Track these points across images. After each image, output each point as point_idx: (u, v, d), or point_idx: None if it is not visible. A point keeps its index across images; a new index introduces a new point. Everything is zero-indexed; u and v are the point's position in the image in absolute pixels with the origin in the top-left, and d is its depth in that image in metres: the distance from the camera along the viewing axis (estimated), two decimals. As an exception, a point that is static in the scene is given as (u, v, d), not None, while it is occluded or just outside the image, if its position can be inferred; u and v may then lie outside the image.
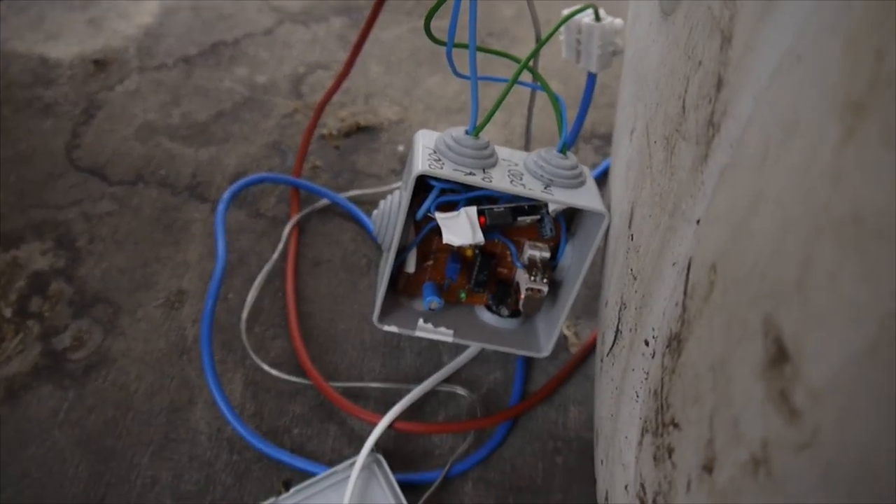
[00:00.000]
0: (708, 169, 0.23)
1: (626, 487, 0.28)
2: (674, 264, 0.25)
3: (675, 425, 0.23)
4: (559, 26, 0.42)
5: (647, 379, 0.27)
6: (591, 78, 0.44)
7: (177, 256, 0.53)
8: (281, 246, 0.52)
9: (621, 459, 0.29)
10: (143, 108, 0.64)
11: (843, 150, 0.15)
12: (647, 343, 0.27)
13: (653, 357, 0.27)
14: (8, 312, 0.49)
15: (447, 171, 0.38)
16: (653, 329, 0.27)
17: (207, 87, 0.66)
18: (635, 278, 0.30)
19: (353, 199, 0.56)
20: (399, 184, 0.57)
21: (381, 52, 0.68)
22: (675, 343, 0.24)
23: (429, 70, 0.68)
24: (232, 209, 0.55)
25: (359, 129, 0.62)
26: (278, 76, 0.67)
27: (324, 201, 0.56)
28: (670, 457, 0.23)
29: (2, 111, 0.64)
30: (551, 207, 0.41)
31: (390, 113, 0.63)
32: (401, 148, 0.61)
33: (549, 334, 0.44)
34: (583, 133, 0.61)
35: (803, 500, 0.16)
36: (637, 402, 0.28)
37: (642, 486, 0.26)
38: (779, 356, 0.17)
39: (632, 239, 0.32)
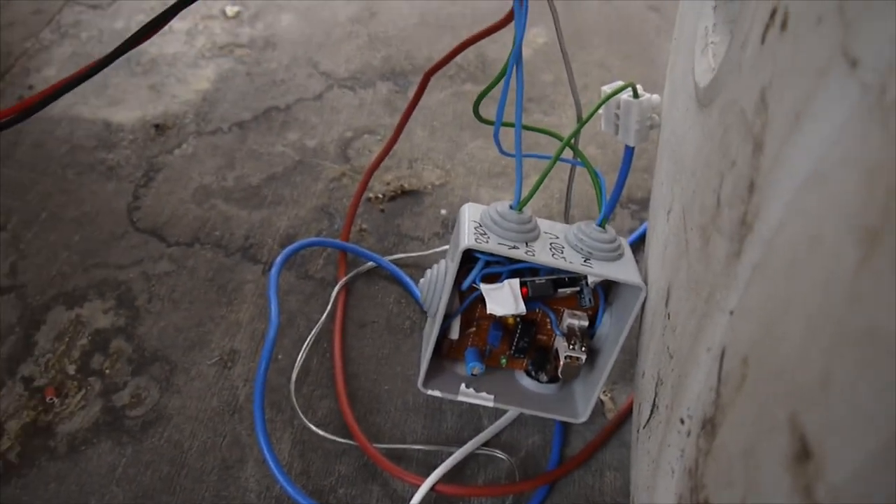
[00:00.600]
0: (741, 264, 0.24)
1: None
2: (708, 350, 0.27)
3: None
4: (600, 105, 0.44)
5: (682, 456, 0.29)
6: (629, 151, 0.46)
7: (230, 316, 0.56)
8: (329, 308, 0.54)
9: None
10: (199, 171, 0.68)
11: (861, 272, 0.17)
12: (682, 422, 0.29)
13: (688, 436, 0.28)
14: (71, 370, 0.52)
15: (492, 245, 0.40)
16: (688, 409, 0.28)
17: (260, 150, 0.69)
18: (671, 357, 0.32)
19: (398, 262, 0.58)
20: (443, 247, 0.59)
21: (424, 117, 0.71)
22: (710, 426, 0.25)
23: (470, 135, 0.70)
24: (282, 270, 0.58)
25: (403, 193, 0.64)
26: (327, 140, 0.70)
27: (370, 264, 0.58)
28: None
29: (67, 174, 0.67)
30: (590, 279, 0.43)
31: (433, 177, 0.66)
32: (444, 212, 0.63)
33: (586, 400, 0.45)
34: (619, 199, 0.63)
35: None
36: (672, 477, 0.29)
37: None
38: (803, 453, 0.18)
39: (668, 318, 0.33)
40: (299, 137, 0.71)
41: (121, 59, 0.77)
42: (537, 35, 0.81)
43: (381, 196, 0.64)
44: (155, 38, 0.78)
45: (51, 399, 0.50)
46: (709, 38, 0.36)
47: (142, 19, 0.86)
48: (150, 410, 0.50)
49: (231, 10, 0.87)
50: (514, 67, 0.40)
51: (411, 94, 0.75)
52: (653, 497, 0.32)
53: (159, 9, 0.83)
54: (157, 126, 0.72)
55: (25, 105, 0.42)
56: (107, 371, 0.52)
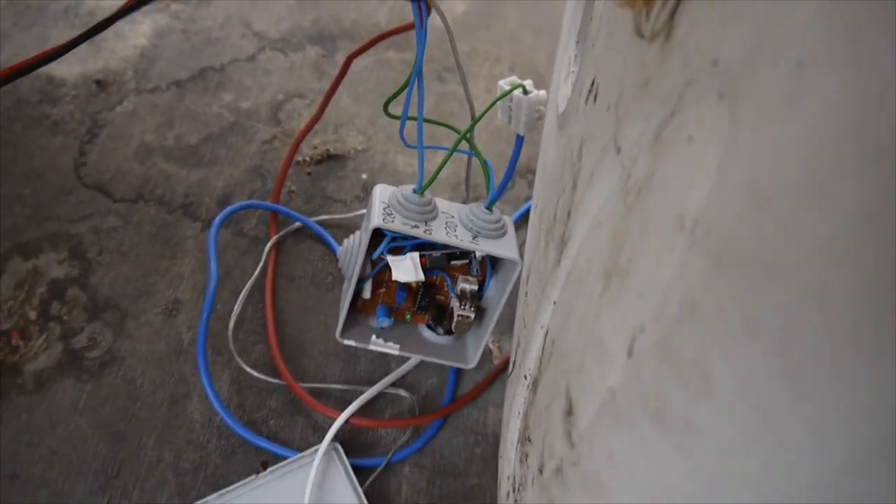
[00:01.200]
0: (560, 270, 0.34)
1: (508, 477, 0.40)
2: (541, 327, 0.36)
3: (529, 440, 0.34)
4: (493, 104, 0.52)
5: (523, 403, 0.38)
6: (519, 140, 0.55)
7: (173, 269, 0.63)
8: (261, 263, 0.62)
9: (507, 456, 0.41)
10: (140, 129, 0.73)
11: (601, 298, 0.26)
12: (525, 378, 0.39)
13: (527, 389, 0.38)
14: (32, 315, 0.59)
15: (397, 224, 0.49)
16: (528, 369, 0.38)
17: (197, 111, 0.75)
18: (524, 326, 0.41)
19: (323, 223, 0.66)
20: (362, 210, 0.67)
21: (349, 83, 0.78)
22: (534, 385, 0.35)
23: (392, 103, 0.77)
24: (220, 229, 0.65)
25: (329, 157, 0.72)
26: (259, 103, 0.77)
27: (297, 224, 0.66)
28: (526, 460, 0.34)
29: (14, 128, 0.72)
30: (478, 253, 0.52)
31: (356, 142, 0.73)
32: (364, 176, 0.71)
33: (475, 350, 0.55)
34: (519, 168, 0.72)
35: (573, 497, 0.27)
36: (518, 418, 0.39)
37: (513, 477, 0.37)
38: (569, 410, 0.28)
39: (526, 295, 0.43)
40: (234, 99, 0.77)
41: (59, 10, 0.82)
42: (456, 5, 0.88)
43: (308, 160, 0.71)
44: (92, -10, 0.82)
45: (16, 342, 0.58)
46: (570, 67, 0.44)
47: (109, 4, 0.89)
48: (105, 352, 0.58)
49: (166, -38, 0.90)
50: (416, 80, 0.48)
51: (339, 58, 0.81)
52: (507, 432, 0.42)
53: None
54: (97, 82, 0.77)
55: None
56: (64, 317, 0.60)
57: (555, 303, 0.34)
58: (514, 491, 0.38)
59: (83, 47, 0.77)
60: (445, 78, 0.80)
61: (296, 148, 0.69)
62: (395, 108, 0.48)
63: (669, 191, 0.21)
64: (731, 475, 0.19)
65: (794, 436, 0.16)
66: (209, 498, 0.50)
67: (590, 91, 0.34)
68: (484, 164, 0.53)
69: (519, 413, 0.39)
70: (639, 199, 0.24)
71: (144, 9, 0.84)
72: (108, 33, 0.82)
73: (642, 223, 0.23)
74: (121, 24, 0.83)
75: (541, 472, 0.31)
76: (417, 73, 0.48)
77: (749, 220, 0.16)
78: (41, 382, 0.56)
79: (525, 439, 0.35)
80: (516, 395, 0.40)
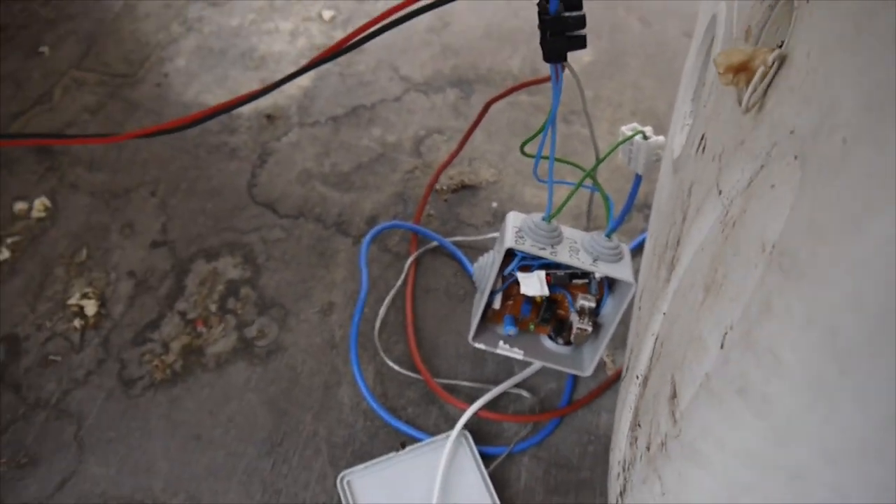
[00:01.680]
0: (669, 287, 0.41)
1: (618, 462, 0.47)
2: (652, 335, 0.44)
3: (639, 426, 0.41)
4: (615, 147, 0.60)
5: (634, 398, 0.46)
6: (638, 178, 0.62)
7: (327, 277, 0.74)
8: (403, 276, 0.72)
9: (619, 446, 0.48)
10: (302, 157, 0.85)
11: (701, 308, 0.33)
12: (637, 378, 0.46)
13: (638, 386, 0.45)
14: (213, 308, 0.71)
15: (527, 246, 0.57)
16: (640, 370, 0.45)
17: (350, 142, 0.87)
18: (637, 335, 0.49)
19: (457, 244, 0.76)
20: (492, 234, 0.76)
21: (483, 122, 0.87)
22: (644, 381, 0.42)
23: (521, 140, 0.87)
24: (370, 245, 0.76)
25: (463, 187, 0.81)
26: (403, 137, 0.87)
27: (435, 243, 0.76)
28: (635, 443, 0.42)
29: (199, 153, 0.86)
30: (597, 274, 0.60)
31: (488, 174, 0.83)
32: (494, 204, 0.80)
33: (591, 360, 0.62)
34: (636, 203, 0.79)
35: (674, 465, 0.34)
36: (630, 411, 0.47)
37: (623, 461, 0.44)
38: (673, 394, 0.36)
39: (639, 310, 0.50)
40: (381, 133, 0.88)
41: (237, 54, 0.95)
42: (583, 54, 0.96)
43: (445, 188, 0.81)
44: (264, 37, 0.96)
45: (200, 329, 0.70)
46: (685, 120, 0.52)
47: (253, 17, 1.03)
48: (272, 342, 0.69)
49: (327, 13, 1.03)
50: (550, 127, 0.56)
51: (474, 100, 0.91)
52: (620, 424, 0.50)
53: (266, 9, 1.01)
54: (268, 116, 0.90)
55: (197, 117, 0.60)
56: (239, 311, 0.71)
57: (664, 313, 0.42)
58: (623, 471, 0.45)
59: (255, 86, 0.91)
60: (571, 120, 0.88)
61: (436, 178, 0.79)
62: (530, 148, 0.56)
63: (756, 224, 0.29)
64: (797, 433, 0.26)
65: (842, 400, 0.24)
66: (356, 468, 0.60)
67: (700, 143, 0.42)
68: (605, 198, 0.61)
69: (631, 407, 0.46)
70: (733, 230, 0.32)
71: (307, 54, 0.98)
72: (276, 75, 0.95)
73: (734, 247, 0.31)
74: (286, 67, 0.96)
75: (648, 448, 0.38)
76: (552, 121, 0.56)
77: (809, 245, 0.23)
78: (220, 363, 0.67)
79: (635, 426, 0.42)
80: (629, 393, 0.48)
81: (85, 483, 0.61)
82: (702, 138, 0.41)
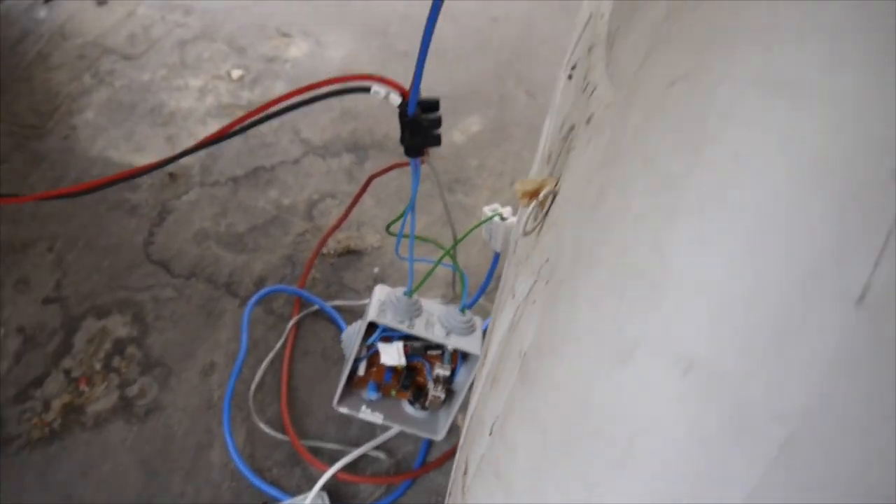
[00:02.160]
0: (483, 371, 0.47)
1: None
2: (489, 432, 0.49)
3: (449, 495, 0.47)
4: (475, 227, 0.66)
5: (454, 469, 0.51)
6: (496, 256, 0.68)
7: (212, 337, 0.78)
8: (283, 338, 0.77)
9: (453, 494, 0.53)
10: (200, 216, 0.90)
11: (488, 393, 0.39)
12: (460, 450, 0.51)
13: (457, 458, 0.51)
14: (98, 366, 0.75)
15: (388, 319, 0.63)
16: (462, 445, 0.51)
17: (248, 203, 0.91)
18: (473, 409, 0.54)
19: (337, 308, 0.81)
20: (368, 300, 0.81)
21: (373, 188, 0.93)
22: (460, 453, 0.48)
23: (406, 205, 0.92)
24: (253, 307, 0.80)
25: (349, 251, 0.87)
26: (298, 200, 0.92)
27: (316, 307, 0.80)
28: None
29: (99, 209, 0.89)
30: (450, 345, 0.65)
31: (373, 240, 0.88)
32: (376, 270, 0.85)
33: (445, 424, 0.68)
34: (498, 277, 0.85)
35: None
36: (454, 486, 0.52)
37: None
38: (465, 471, 0.41)
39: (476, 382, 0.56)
40: (278, 195, 0.93)
41: (146, 109, 0.99)
42: (472, 124, 1.03)
43: (332, 252, 0.86)
44: (174, 93, 1.00)
45: (83, 387, 0.73)
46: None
47: (164, 73, 1.07)
48: (151, 402, 0.72)
49: (236, 73, 1.08)
50: (409, 212, 0.62)
51: (368, 165, 0.97)
52: (455, 475, 0.55)
53: (178, 66, 1.04)
54: (170, 174, 0.94)
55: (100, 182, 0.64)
56: (123, 370, 0.75)
57: (478, 395, 0.48)
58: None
59: (161, 143, 0.95)
60: (455, 189, 0.94)
61: (323, 243, 0.84)
62: (395, 228, 0.62)
63: (521, 332, 0.34)
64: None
65: (555, 481, 0.29)
66: (219, 527, 0.64)
67: (513, 246, 0.48)
68: (461, 276, 0.67)
69: (464, 460, 0.52)
70: (513, 334, 0.37)
71: (214, 112, 1.02)
72: (182, 132, 1.00)
73: (509, 348, 0.37)
74: (193, 125, 1.01)
75: (463, 470, 0.44)
76: (411, 207, 0.62)
77: (536, 359, 0.29)
78: (98, 422, 0.71)
79: (447, 495, 0.48)
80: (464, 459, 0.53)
81: (-43, 538, 0.63)
82: (515, 243, 0.47)
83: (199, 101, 1.04)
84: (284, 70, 1.10)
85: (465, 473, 0.41)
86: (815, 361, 0.20)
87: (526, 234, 0.43)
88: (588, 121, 0.37)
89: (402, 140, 0.56)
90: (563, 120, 0.47)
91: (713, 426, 0.22)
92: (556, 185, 0.39)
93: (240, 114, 0.97)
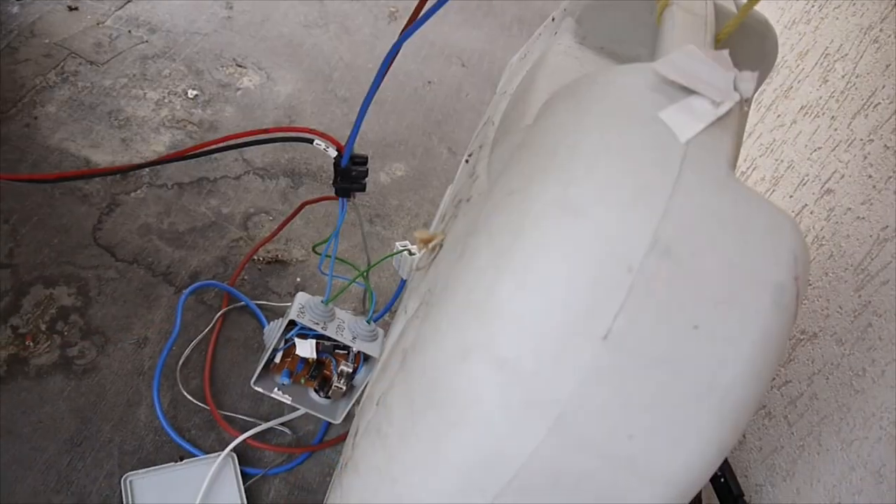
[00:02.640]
0: (379, 363, 0.62)
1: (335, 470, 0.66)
2: (376, 403, 0.64)
3: (341, 452, 0.61)
4: (386, 258, 0.81)
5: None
6: (402, 282, 0.84)
7: (147, 316, 0.90)
8: (210, 325, 0.89)
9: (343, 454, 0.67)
10: (145, 213, 1.01)
11: (379, 379, 0.54)
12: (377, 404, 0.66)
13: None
14: (43, 327, 0.85)
15: (305, 320, 0.77)
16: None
17: (189, 207, 1.04)
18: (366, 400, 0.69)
19: (261, 306, 0.94)
20: (288, 304, 0.95)
21: (305, 211, 1.07)
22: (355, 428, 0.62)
23: (331, 230, 1.07)
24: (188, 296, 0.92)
25: (276, 261, 1.00)
26: (236, 211, 1.05)
27: (242, 303, 0.93)
28: (338, 468, 0.61)
29: (54, 193, 1.00)
30: (355, 347, 0.80)
31: (299, 255, 1.02)
32: (298, 279, 0.99)
33: (343, 411, 0.82)
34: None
35: (347, 481, 0.54)
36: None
37: (332, 480, 0.64)
38: (355, 432, 0.56)
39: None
40: (218, 204, 1.06)
41: (104, 111, 1.10)
42: (398, 169, 1.19)
43: (261, 259, 1.00)
44: (132, 101, 1.12)
45: (28, 343, 0.83)
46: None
47: (125, 82, 1.19)
48: (89, 363, 0.83)
49: (192, 92, 1.21)
50: (333, 238, 0.77)
51: (301, 191, 1.11)
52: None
53: (139, 77, 1.16)
54: (120, 174, 1.05)
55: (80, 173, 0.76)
56: (65, 333, 0.85)
57: (371, 383, 0.62)
58: (342, 466, 0.64)
59: (116, 143, 1.06)
60: (375, 222, 1.10)
61: (255, 250, 0.97)
62: (320, 248, 0.76)
63: (408, 336, 0.50)
64: (397, 458, 0.46)
65: (413, 440, 0.45)
66: (139, 471, 0.75)
67: (411, 278, 0.64)
68: (371, 293, 0.82)
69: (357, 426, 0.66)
70: (401, 338, 0.53)
71: (168, 124, 1.14)
72: (137, 137, 1.11)
73: (396, 347, 0.52)
74: (147, 132, 1.12)
75: (340, 470, 0.58)
76: (335, 235, 0.77)
77: (410, 356, 0.44)
78: (40, 374, 0.81)
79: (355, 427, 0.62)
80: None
81: None
82: (411, 276, 0.63)
83: (154, 111, 1.16)
84: (235, 97, 1.24)
85: (355, 435, 0.56)
86: (578, 368, 0.36)
87: (419, 269, 0.59)
88: (468, 200, 0.53)
89: (334, 183, 0.71)
90: (455, 193, 0.64)
91: (515, 402, 0.37)
92: (442, 239, 0.55)
93: (192, 128, 1.10)
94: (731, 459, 0.71)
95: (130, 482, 0.74)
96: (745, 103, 0.43)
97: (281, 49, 1.37)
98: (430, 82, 1.42)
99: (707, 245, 0.35)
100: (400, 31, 0.56)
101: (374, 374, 0.62)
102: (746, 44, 0.60)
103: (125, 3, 1.34)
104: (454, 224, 0.52)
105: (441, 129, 1.32)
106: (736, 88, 0.41)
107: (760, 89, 1.03)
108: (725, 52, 0.43)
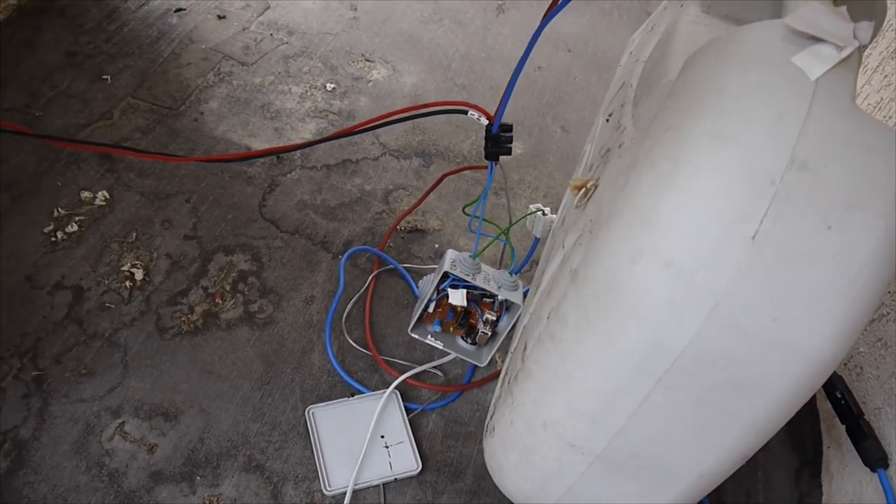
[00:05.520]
0: (534, 297, 0.72)
1: (492, 403, 0.77)
2: (522, 327, 0.74)
3: (506, 373, 0.71)
4: (522, 218, 0.92)
5: (507, 363, 0.76)
6: (536, 240, 0.94)
7: (311, 278, 1.03)
8: (366, 285, 1.02)
9: (496, 393, 0.78)
10: (300, 191, 1.15)
11: (545, 303, 0.64)
12: (509, 354, 0.76)
13: (509, 356, 0.75)
14: (227, 288, 0.99)
15: (458, 272, 0.88)
16: (511, 350, 0.75)
17: (338, 186, 1.17)
18: (517, 335, 0.79)
19: (407, 269, 1.05)
20: (432, 265, 1.07)
21: (438, 187, 1.19)
22: (511, 352, 0.72)
23: (462, 203, 1.18)
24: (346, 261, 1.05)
25: (416, 230, 1.12)
26: (377, 188, 1.18)
27: (391, 266, 1.05)
28: (502, 385, 0.72)
29: (224, 176, 1.14)
30: (499, 296, 0.90)
31: (435, 224, 1.14)
32: (437, 245, 1.11)
33: (488, 356, 0.93)
34: (534, 258, 1.10)
35: (521, 388, 0.64)
36: (503, 375, 0.76)
37: (496, 398, 0.74)
38: (524, 348, 0.66)
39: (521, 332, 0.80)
40: (361, 182, 1.18)
41: (257, 105, 1.25)
42: (516, 147, 1.29)
43: (403, 229, 1.12)
44: (279, 95, 1.26)
45: (217, 301, 0.97)
46: (562, 210, 0.84)
47: (272, 79, 1.33)
48: (267, 317, 0.97)
49: (330, 85, 1.34)
50: (483, 199, 0.87)
51: (432, 169, 1.23)
52: (497, 387, 0.79)
53: (283, 74, 1.30)
54: (278, 157, 1.19)
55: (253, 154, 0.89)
56: (246, 292, 0.99)
57: (530, 314, 0.72)
58: (492, 405, 0.75)
59: (270, 132, 1.21)
60: (500, 194, 1.20)
61: (398, 221, 1.09)
62: (469, 210, 0.87)
63: (572, 260, 0.59)
64: (575, 358, 0.56)
65: (599, 335, 0.55)
66: (319, 404, 0.88)
67: (561, 222, 0.74)
68: (512, 250, 0.93)
69: (505, 372, 0.76)
70: (563, 265, 0.62)
71: (312, 114, 1.28)
72: (287, 126, 1.25)
73: (562, 273, 0.62)
74: (295, 121, 1.26)
75: (507, 383, 0.68)
76: (484, 196, 0.88)
77: (583, 271, 0.54)
78: (229, 326, 0.95)
79: (504, 375, 0.72)
80: (507, 364, 0.77)
81: (127, 391, 0.87)
82: (563, 219, 0.73)
83: (299, 104, 1.30)
84: (367, 88, 1.36)
85: (524, 350, 0.66)
86: (731, 264, 0.44)
87: (576, 207, 0.68)
88: (619, 146, 0.62)
89: (485, 148, 0.82)
90: (601, 146, 0.73)
91: (678, 296, 0.47)
92: (596, 181, 0.64)
93: (333, 117, 1.24)
94: (850, 386, 0.78)
95: (313, 413, 0.87)
96: (862, 49, 0.51)
97: (403, 44, 1.50)
98: (539, 68, 1.51)
99: (837, 160, 0.44)
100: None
101: (535, 300, 0.72)
102: (859, 5, 0.67)
103: (265, 10, 1.49)
104: (606, 168, 0.62)
105: (553, 110, 1.41)
106: (856, 36, 0.49)
107: (867, 52, 1.08)
108: (843, 9, 0.51)
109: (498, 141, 0.80)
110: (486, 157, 0.82)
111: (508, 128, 0.80)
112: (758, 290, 0.45)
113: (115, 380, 0.88)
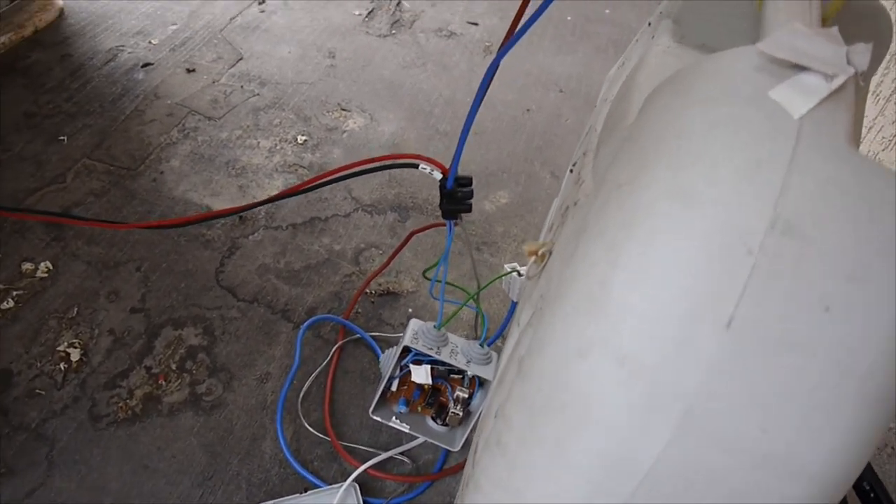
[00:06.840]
0: (496, 375, 0.61)
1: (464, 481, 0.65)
2: (494, 415, 0.63)
3: (476, 444, 0.60)
4: (496, 279, 0.81)
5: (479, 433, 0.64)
6: (513, 304, 0.83)
7: (268, 352, 0.92)
8: (328, 358, 0.91)
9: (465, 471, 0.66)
10: (263, 254, 1.05)
11: (497, 391, 0.53)
12: (495, 416, 0.65)
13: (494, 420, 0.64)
14: (174, 366, 0.89)
15: (419, 345, 0.77)
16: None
17: (304, 246, 1.07)
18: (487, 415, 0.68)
19: (375, 338, 0.95)
20: (401, 334, 0.96)
21: (412, 242, 1.09)
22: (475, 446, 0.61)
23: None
24: (306, 331, 0.95)
25: (388, 293, 1.02)
26: (347, 247, 1.08)
27: (358, 336, 0.95)
28: (473, 452, 0.60)
29: (180, 241, 1.05)
30: (469, 372, 0.79)
31: (409, 286, 1.03)
32: (410, 310, 1.00)
33: (461, 438, 0.81)
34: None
35: (490, 455, 0.53)
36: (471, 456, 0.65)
37: (466, 472, 0.63)
38: (475, 450, 0.55)
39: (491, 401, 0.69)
40: (330, 242, 1.08)
41: (222, 162, 1.16)
42: (502, 196, 1.19)
43: (373, 292, 1.01)
44: (246, 150, 1.17)
45: (161, 382, 0.87)
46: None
47: (240, 133, 1.25)
48: (216, 399, 0.86)
49: (301, 138, 1.26)
50: (443, 262, 0.77)
51: (409, 223, 1.13)
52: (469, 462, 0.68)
53: (252, 127, 1.22)
54: (241, 217, 1.10)
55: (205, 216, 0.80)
56: (194, 371, 0.89)
57: (495, 413, 0.61)
58: (463, 485, 0.63)
59: (234, 190, 1.12)
60: (482, 249, 1.10)
61: (367, 284, 0.99)
62: (430, 273, 0.76)
63: (522, 345, 0.49)
64: (521, 462, 0.45)
65: (533, 448, 0.43)
66: (267, 503, 0.77)
67: (519, 290, 0.63)
68: (482, 316, 0.82)
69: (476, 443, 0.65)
70: (515, 349, 0.52)
71: (280, 169, 1.19)
72: (252, 183, 1.16)
73: (511, 359, 0.51)
74: (261, 178, 1.18)
75: (463, 486, 0.57)
76: (444, 259, 0.77)
77: (528, 361, 0.43)
78: (172, 411, 0.85)
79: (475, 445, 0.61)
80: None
81: (49, 494, 0.77)
82: (522, 288, 0.62)
83: (268, 158, 1.21)
84: (342, 139, 1.28)
85: (475, 452, 0.55)
86: (701, 360, 0.34)
87: (529, 279, 0.57)
88: (575, 203, 0.52)
89: (441, 206, 0.72)
90: (562, 202, 0.63)
91: (638, 399, 0.36)
92: (551, 246, 0.54)
93: (303, 172, 1.14)
94: (880, 471, 0.65)
95: (259, 513, 0.76)
96: (860, 77, 0.40)
97: (382, 91, 1.41)
98: (528, 110, 1.42)
99: (832, 218, 0.33)
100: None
101: (491, 391, 0.61)
102: (857, 26, 0.57)
103: (237, 62, 1.42)
104: (562, 230, 0.51)
105: (542, 154, 1.31)
106: (849, 62, 0.38)
107: (878, 79, 0.97)
108: (835, 29, 0.40)
109: (454, 197, 0.70)
110: (443, 217, 0.72)
111: (467, 181, 0.70)
112: (737, 391, 0.34)
113: (38, 479, 0.78)
